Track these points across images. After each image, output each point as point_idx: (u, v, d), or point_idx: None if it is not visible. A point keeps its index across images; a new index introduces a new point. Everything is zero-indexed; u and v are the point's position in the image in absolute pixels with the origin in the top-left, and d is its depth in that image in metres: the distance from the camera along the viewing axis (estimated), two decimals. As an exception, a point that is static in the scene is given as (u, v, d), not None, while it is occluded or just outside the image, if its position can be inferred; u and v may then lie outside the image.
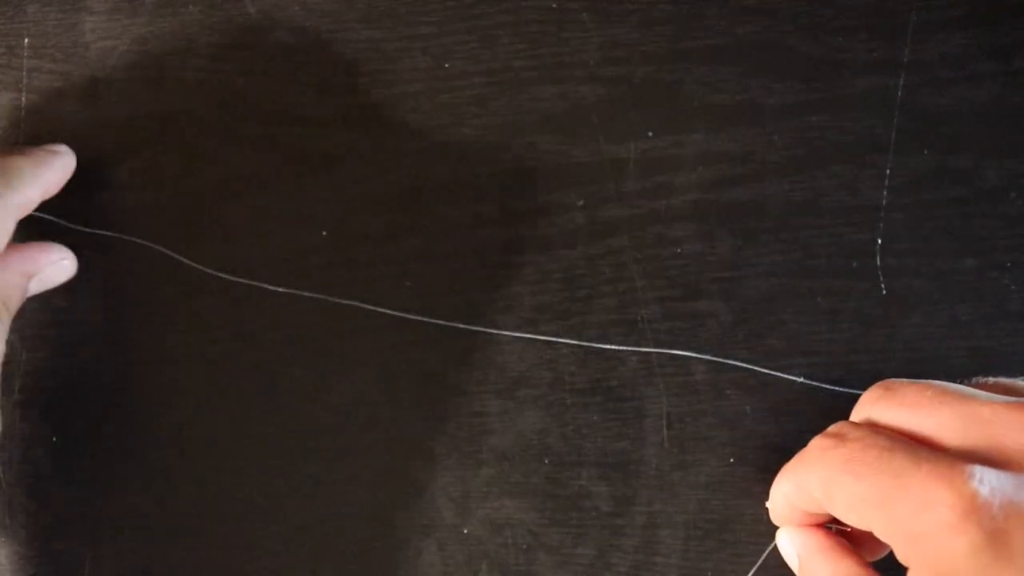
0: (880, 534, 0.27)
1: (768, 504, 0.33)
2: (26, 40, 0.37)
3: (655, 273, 0.36)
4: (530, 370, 0.36)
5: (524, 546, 0.35)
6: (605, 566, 0.35)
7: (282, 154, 0.37)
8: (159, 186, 0.37)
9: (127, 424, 0.36)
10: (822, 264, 0.36)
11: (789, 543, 0.32)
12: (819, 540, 0.31)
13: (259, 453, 0.36)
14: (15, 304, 0.34)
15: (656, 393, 0.35)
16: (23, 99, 0.37)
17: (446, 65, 0.37)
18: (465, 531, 0.35)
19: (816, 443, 0.29)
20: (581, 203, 0.36)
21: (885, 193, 0.36)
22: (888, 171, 0.36)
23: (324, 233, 0.36)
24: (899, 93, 0.36)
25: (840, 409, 0.32)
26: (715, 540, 0.35)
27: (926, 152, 0.36)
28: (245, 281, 0.36)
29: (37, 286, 0.35)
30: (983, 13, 0.36)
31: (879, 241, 0.35)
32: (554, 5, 0.37)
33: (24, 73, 0.37)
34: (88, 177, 0.36)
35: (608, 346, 0.35)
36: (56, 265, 0.35)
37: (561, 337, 0.36)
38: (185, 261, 0.36)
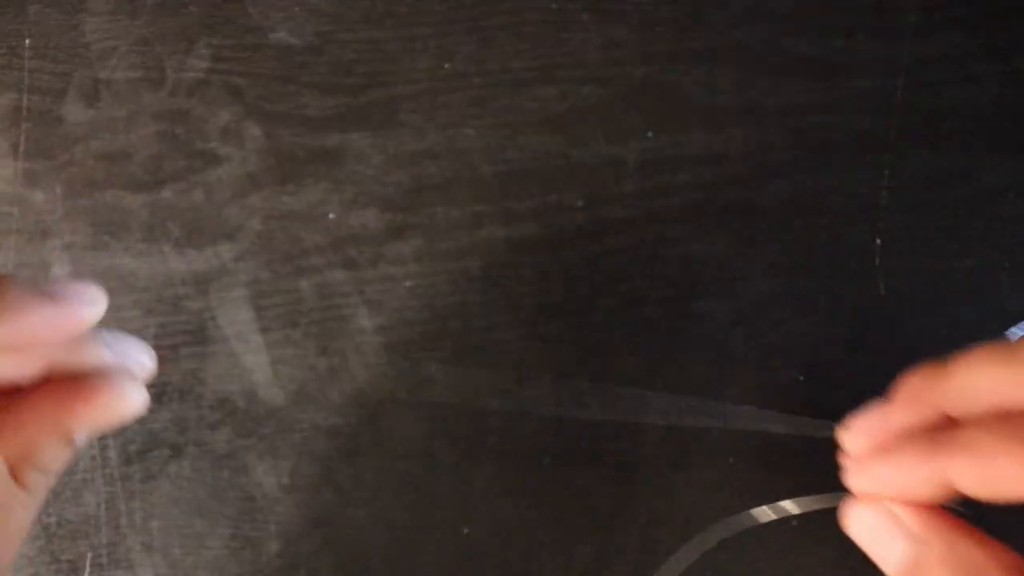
0: None
1: (871, 475, 0.30)
2: (27, 41, 0.37)
3: (655, 273, 0.36)
4: (530, 369, 0.36)
5: (524, 546, 0.35)
6: (605, 566, 0.35)
7: (282, 154, 0.37)
8: (159, 185, 0.37)
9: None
10: (822, 264, 0.36)
11: (896, 521, 0.30)
12: (958, 524, 0.29)
13: (259, 452, 0.36)
14: (42, 491, 0.27)
15: (656, 393, 0.35)
16: (24, 99, 0.37)
17: (446, 65, 0.37)
18: (465, 531, 0.35)
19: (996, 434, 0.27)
20: (581, 203, 0.36)
21: (885, 193, 0.36)
22: (888, 171, 0.36)
23: (324, 233, 0.37)
24: (899, 93, 0.36)
25: (840, 409, 0.32)
26: (715, 541, 0.35)
27: (926, 152, 0.36)
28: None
29: (88, 436, 0.27)
30: (982, 14, 0.36)
31: (879, 241, 0.35)
32: (554, 5, 0.37)
33: (25, 74, 0.37)
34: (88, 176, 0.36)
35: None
36: (112, 406, 0.26)
37: (562, 337, 0.36)
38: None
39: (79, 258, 0.37)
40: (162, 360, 0.36)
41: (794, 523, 0.35)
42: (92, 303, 0.25)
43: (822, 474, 0.35)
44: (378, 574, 0.35)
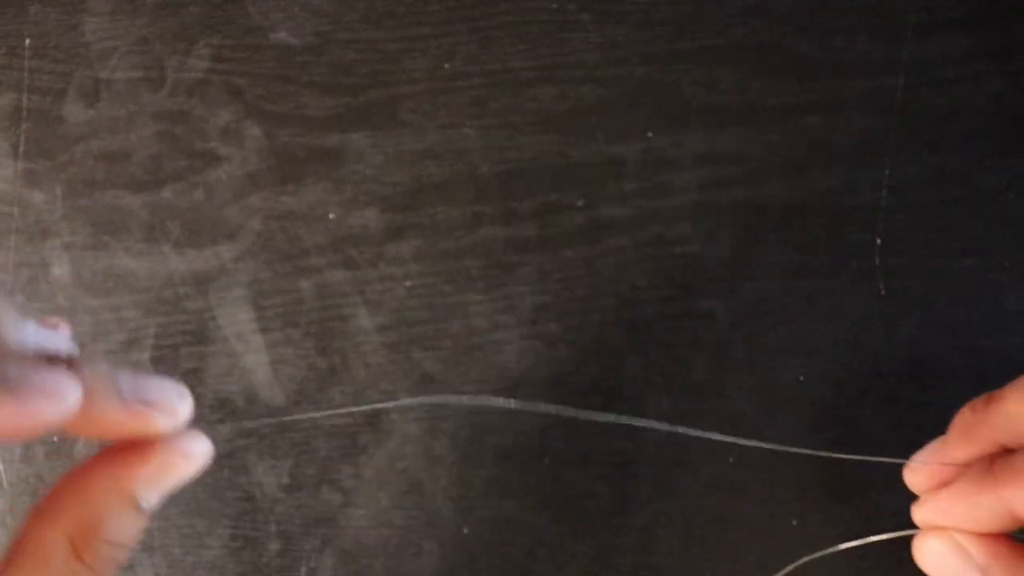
0: None
1: (934, 508, 0.31)
2: (27, 41, 0.37)
3: (655, 273, 0.36)
4: (530, 370, 0.36)
5: (524, 546, 0.35)
6: (605, 566, 0.35)
7: (282, 154, 0.37)
8: (159, 185, 0.37)
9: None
10: (822, 264, 0.36)
11: (962, 551, 0.30)
12: (1020, 552, 0.29)
13: (260, 452, 0.36)
14: (110, 566, 0.24)
15: (656, 393, 0.35)
16: (24, 99, 0.37)
17: (446, 65, 0.37)
18: (465, 531, 0.35)
19: None
20: (581, 203, 0.36)
21: (884, 193, 0.36)
22: (887, 171, 0.36)
23: (324, 233, 0.37)
24: (898, 93, 0.36)
25: (840, 409, 0.32)
26: (715, 540, 0.35)
27: (925, 152, 0.36)
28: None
29: (159, 497, 0.25)
30: (982, 14, 0.36)
31: (879, 241, 0.35)
32: (554, 6, 0.37)
33: (26, 73, 0.37)
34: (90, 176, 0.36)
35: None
36: (176, 464, 0.25)
37: (562, 337, 0.36)
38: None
39: (79, 258, 0.37)
40: (162, 360, 0.36)
41: (794, 523, 0.35)
42: (173, 414, 0.24)
43: (824, 474, 0.35)
44: (378, 574, 0.35)
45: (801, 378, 0.35)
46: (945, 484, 0.30)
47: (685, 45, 0.37)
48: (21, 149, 0.37)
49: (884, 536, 0.33)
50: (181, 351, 0.36)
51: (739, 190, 0.36)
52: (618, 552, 0.35)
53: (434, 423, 0.36)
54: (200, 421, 0.26)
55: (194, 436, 0.25)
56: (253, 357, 0.36)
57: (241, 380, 0.36)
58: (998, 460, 0.29)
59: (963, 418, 0.30)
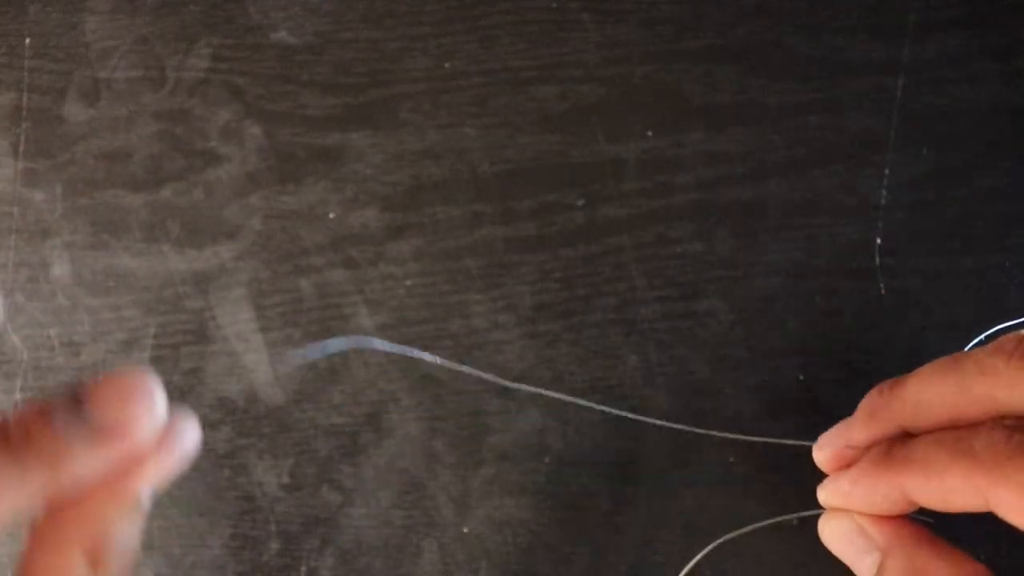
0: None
1: (834, 489, 0.31)
2: (27, 40, 0.37)
3: (655, 273, 0.36)
4: (530, 370, 0.36)
5: (524, 545, 0.35)
6: (605, 565, 0.35)
7: (282, 154, 0.37)
8: (159, 185, 0.37)
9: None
10: (822, 264, 0.36)
11: (863, 533, 0.30)
12: (920, 535, 0.29)
13: (260, 452, 0.36)
14: (123, 567, 0.24)
15: (656, 393, 0.35)
16: (25, 99, 0.37)
17: (446, 65, 0.37)
18: (465, 531, 0.35)
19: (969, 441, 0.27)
20: (581, 203, 0.36)
21: (884, 193, 0.36)
22: (887, 171, 0.36)
23: (324, 232, 0.37)
24: (898, 93, 0.36)
25: (840, 409, 0.32)
26: (715, 540, 0.35)
27: (925, 152, 0.36)
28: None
29: (154, 490, 0.25)
30: (982, 13, 0.36)
31: (878, 241, 0.35)
32: (554, 5, 0.37)
33: (25, 73, 0.37)
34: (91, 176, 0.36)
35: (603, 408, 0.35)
36: (174, 460, 0.25)
37: (562, 337, 0.36)
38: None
39: (79, 257, 0.37)
40: (162, 359, 0.36)
41: (795, 523, 0.35)
42: (151, 420, 0.24)
43: (823, 474, 0.35)
44: (378, 574, 0.35)
45: (801, 378, 0.35)
46: (846, 466, 0.31)
47: (685, 45, 0.37)
48: (21, 148, 0.37)
49: (793, 516, 0.33)
50: (181, 351, 0.36)
51: (739, 190, 0.36)
52: (618, 552, 0.35)
53: (434, 423, 0.36)
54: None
55: (181, 425, 0.25)
56: (253, 356, 0.36)
57: (241, 379, 0.36)
58: (896, 444, 0.29)
59: (869, 400, 0.30)
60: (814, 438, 0.32)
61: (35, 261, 0.37)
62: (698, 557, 0.34)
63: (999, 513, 0.27)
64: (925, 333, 0.35)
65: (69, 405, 0.23)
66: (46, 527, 0.24)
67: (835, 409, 0.34)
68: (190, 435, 0.25)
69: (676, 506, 0.35)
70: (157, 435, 0.24)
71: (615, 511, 0.35)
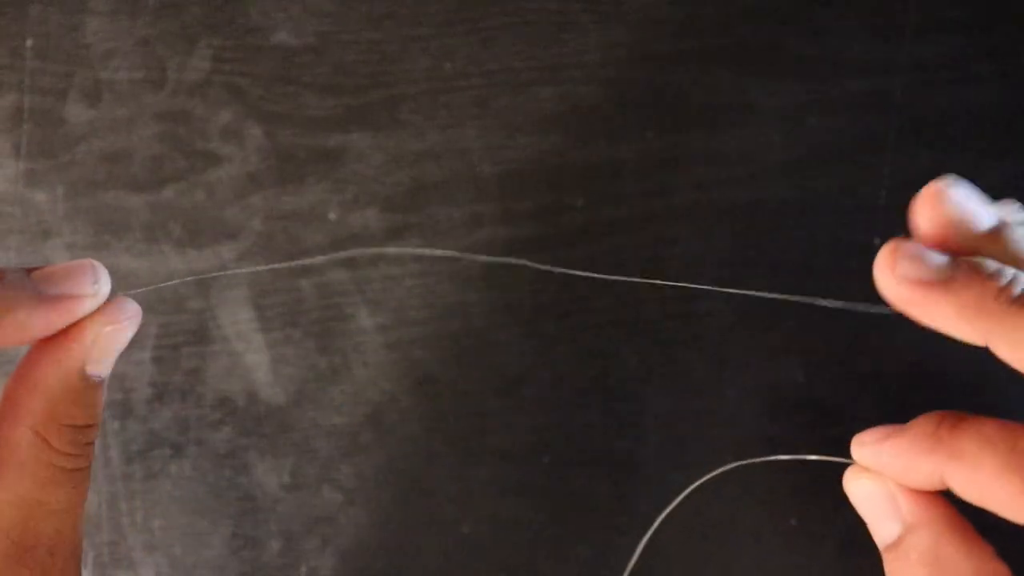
0: None
1: (873, 452, 0.30)
2: (29, 41, 0.38)
3: (655, 273, 0.36)
4: (530, 370, 0.36)
5: (524, 546, 0.35)
6: (605, 565, 0.35)
7: (283, 155, 0.37)
8: (161, 185, 0.37)
9: (127, 419, 0.36)
10: (822, 264, 0.36)
11: (893, 502, 0.29)
12: (950, 520, 0.28)
13: (260, 452, 0.36)
14: (82, 445, 0.26)
15: (656, 393, 0.35)
16: (26, 100, 0.37)
17: (446, 66, 0.37)
18: (465, 530, 0.35)
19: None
20: (581, 203, 0.36)
21: (885, 193, 0.36)
22: (887, 171, 0.36)
23: (324, 233, 0.37)
24: (898, 93, 0.36)
25: (840, 409, 0.32)
26: (715, 540, 0.35)
27: (926, 152, 0.36)
28: (253, 268, 0.36)
29: (103, 367, 0.26)
30: (981, 15, 0.36)
31: (879, 241, 0.35)
32: (554, 5, 0.37)
33: (27, 74, 0.38)
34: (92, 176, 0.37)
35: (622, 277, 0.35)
36: (114, 333, 0.27)
37: (562, 337, 0.36)
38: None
39: (80, 257, 0.37)
40: (163, 360, 0.37)
41: (793, 522, 0.35)
42: (94, 294, 0.26)
43: (824, 474, 0.35)
44: (378, 574, 0.35)
45: (801, 378, 0.35)
46: (890, 436, 0.29)
47: (685, 45, 0.37)
48: (23, 149, 0.37)
49: (819, 457, 0.33)
50: (182, 351, 0.37)
51: (739, 190, 0.36)
52: (618, 552, 0.35)
53: (434, 423, 0.36)
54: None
55: (119, 301, 0.27)
56: (254, 356, 0.36)
57: (242, 379, 0.36)
58: (945, 425, 0.28)
59: (921, 432, 0.28)
60: (814, 438, 0.32)
61: (37, 261, 0.37)
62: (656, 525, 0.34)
63: None
64: (924, 333, 0.35)
65: (18, 271, 0.26)
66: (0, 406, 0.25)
67: (835, 409, 0.34)
68: (131, 312, 0.27)
69: (676, 506, 0.35)
70: (97, 305, 0.26)
71: (615, 511, 0.35)
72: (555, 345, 0.36)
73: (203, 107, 0.37)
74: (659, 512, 0.35)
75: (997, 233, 0.27)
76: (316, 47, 0.37)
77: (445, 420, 0.36)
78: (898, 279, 0.27)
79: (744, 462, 0.34)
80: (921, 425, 0.29)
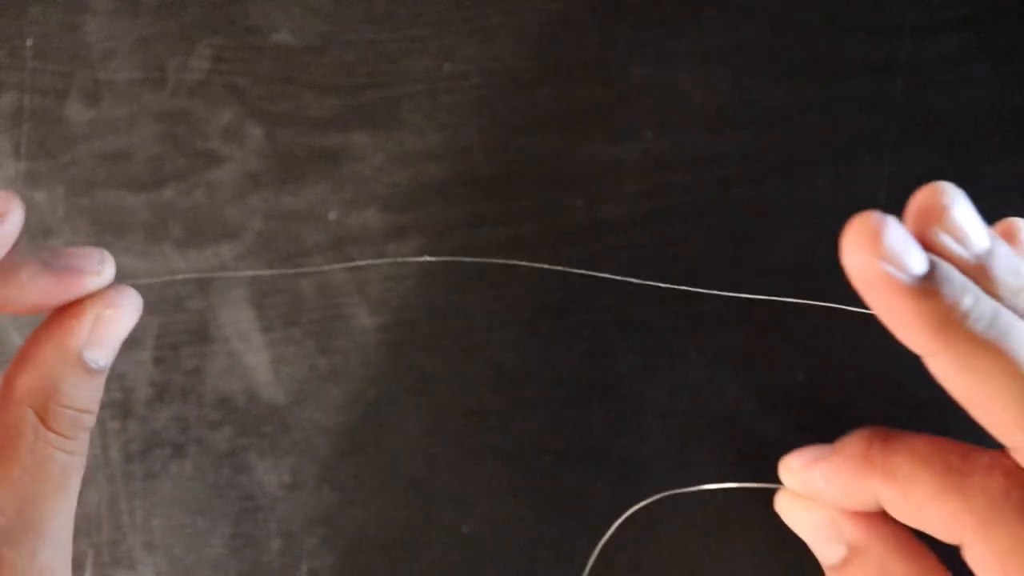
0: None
1: (804, 480, 0.30)
2: (29, 41, 0.38)
3: (655, 273, 0.36)
4: (530, 370, 0.36)
5: (524, 546, 0.35)
6: (605, 565, 0.35)
7: (283, 154, 0.37)
8: (161, 185, 0.37)
9: (126, 419, 0.36)
10: (822, 264, 0.36)
11: (835, 526, 0.29)
12: (896, 536, 0.28)
13: (260, 451, 0.36)
14: (78, 429, 0.26)
15: (656, 393, 0.35)
16: (26, 99, 0.37)
17: (446, 66, 0.37)
18: (465, 531, 0.35)
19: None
20: (581, 203, 0.36)
21: (885, 193, 0.36)
22: (887, 171, 0.36)
23: (324, 233, 0.37)
24: (898, 93, 0.36)
25: (840, 409, 0.32)
26: (714, 540, 0.35)
27: (926, 152, 0.36)
28: (250, 273, 0.36)
29: (103, 354, 0.27)
30: (981, 14, 0.36)
31: (878, 241, 0.35)
32: (554, 5, 0.37)
33: (27, 74, 0.38)
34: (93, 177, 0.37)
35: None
36: (114, 316, 0.27)
37: (562, 337, 0.36)
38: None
39: (81, 258, 0.37)
40: (163, 359, 0.37)
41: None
42: (97, 273, 0.27)
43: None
44: (378, 573, 0.35)
45: (801, 378, 0.35)
46: (820, 461, 0.29)
47: (685, 45, 0.37)
48: (23, 149, 0.37)
49: (748, 485, 0.33)
50: (182, 350, 0.37)
51: (739, 190, 0.36)
52: (617, 551, 0.35)
53: (434, 423, 0.36)
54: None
55: (120, 289, 0.27)
56: (254, 356, 0.36)
57: (242, 379, 0.36)
58: (876, 444, 0.27)
59: (855, 450, 0.28)
60: (814, 438, 0.32)
61: (37, 261, 0.37)
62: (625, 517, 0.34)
63: (969, 562, 0.25)
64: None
65: (28, 245, 0.27)
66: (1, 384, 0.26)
67: (835, 410, 0.34)
68: (131, 298, 0.28)
69: (676, 506, 0.35)
70: (100, 286, 0.27)
71: (614, 511, 0.35)
72: (555, 345, 0.36)
73: (203, 107, 0.37)
74: (660, 513, 0.35)
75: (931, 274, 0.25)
76: (316, 47, 0.37)
77: (445, 420, 0.36)
78: (874, 270, 0.26)
79: (668, 492, 0.34)
80: (850, 446, 0.28)
